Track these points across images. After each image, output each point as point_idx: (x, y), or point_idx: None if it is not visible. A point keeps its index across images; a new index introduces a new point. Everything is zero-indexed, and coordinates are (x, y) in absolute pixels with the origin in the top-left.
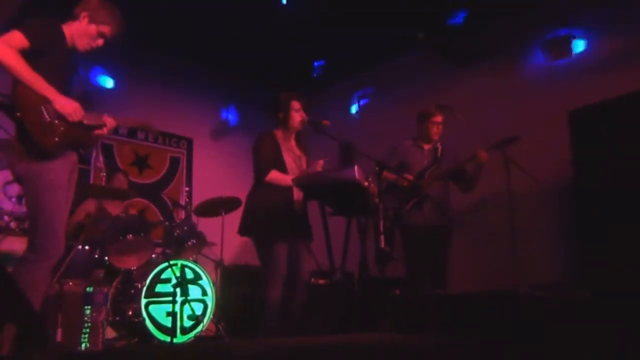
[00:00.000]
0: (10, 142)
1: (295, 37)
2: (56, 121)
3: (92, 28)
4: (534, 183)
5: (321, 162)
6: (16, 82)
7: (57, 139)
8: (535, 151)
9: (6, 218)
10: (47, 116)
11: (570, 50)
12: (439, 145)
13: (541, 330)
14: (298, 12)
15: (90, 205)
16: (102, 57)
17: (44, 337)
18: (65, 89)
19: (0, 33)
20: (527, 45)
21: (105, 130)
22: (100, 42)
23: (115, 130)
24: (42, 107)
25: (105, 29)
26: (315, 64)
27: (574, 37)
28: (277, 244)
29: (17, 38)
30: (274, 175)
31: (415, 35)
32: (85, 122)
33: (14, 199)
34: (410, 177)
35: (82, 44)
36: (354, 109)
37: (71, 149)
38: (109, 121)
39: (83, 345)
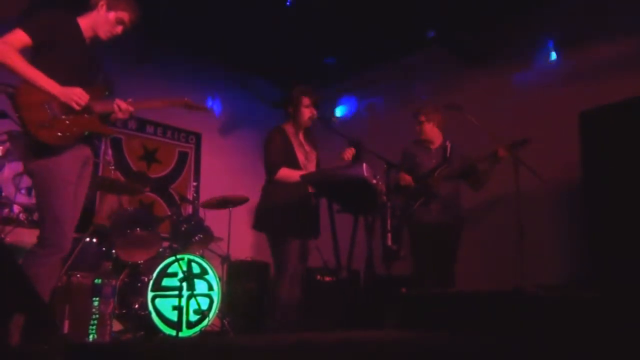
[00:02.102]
0: (21, 138)
1: (305, 34)
2: (63, 116)
3: (111, 15)
4: (542, 183)
5: (349, 151)
6: (20, 81)
7: (59, 133)
8: (544, 151)
9: (16, 210)
10: (49, 112)
11: (583, 50)
12: (447, 143)
13: (548, 330)
14: (308, 9)
15: (111, 202)
16: (111, 51)
17: (52, 327)
18: (82, 80)
19: (8, 29)
20: (538, 44)
21: (120, 115)
22: (119, 29)
23: (124, 124)
24: (45, 104)
25: (124, 15)
26: (326, 60)
27: (586, 37)
28: (291, 241)
29: (18, 36)
30: (284, 173)
31: (424, 34)
32: (97, 109)
33: (23, 191)
34: (408, 178)
35: (104, 32)
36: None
37: (83, 142)
38: (122, 105)
39: (91, 336)
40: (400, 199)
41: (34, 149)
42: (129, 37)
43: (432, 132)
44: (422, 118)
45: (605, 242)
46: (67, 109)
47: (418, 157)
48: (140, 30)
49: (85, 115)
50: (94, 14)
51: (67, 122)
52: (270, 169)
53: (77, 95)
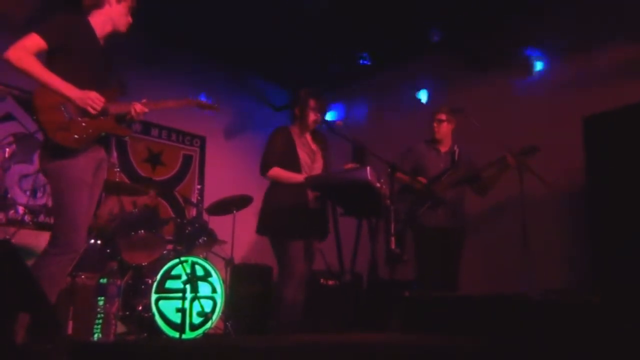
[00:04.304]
0: (36, 140)
1: (311, 38)
2: (79, 118)
3: (123, 6)
4: (547, 188)
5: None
6: (37, 85)
7: (76, 135)
8: (549, 156)
9: (21, 211)
10: (66, 115)
11: (588, 54)
12: (456, 148)
13: (551, 334)
14: (313, 12)
15: (111, 204)
16: (120, 55)
17: (57, 326)
18: (98, 81)
19: (23, 32)
20: (543, 49)
21: (135, 116)
22: (130, 18)
23: (129, 126)
24: (62, 107)
25: (132, 3)
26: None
27: (592, 43)
28: (293, 243)
29: (34, 41)
30: (274, 172)
31: (429, 38)
32: (112, 111)
33: (28, 193)
34: (424, 180)
35: (123, 25)
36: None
37: (98, 144)
38: (137, 106)
39: (95, 336)
40: (404, 202)
41: (50, 150)
42: (134, 39)
43: (447, 135)
44: (443, 117)
45: (610, 247)
46: (83, 111)
47: (426, 158)
48: (145, 31)
49: (101, 117)
50: (105, 10)
51: (84, 124)
52: (262, 167)
53: (92, 100)
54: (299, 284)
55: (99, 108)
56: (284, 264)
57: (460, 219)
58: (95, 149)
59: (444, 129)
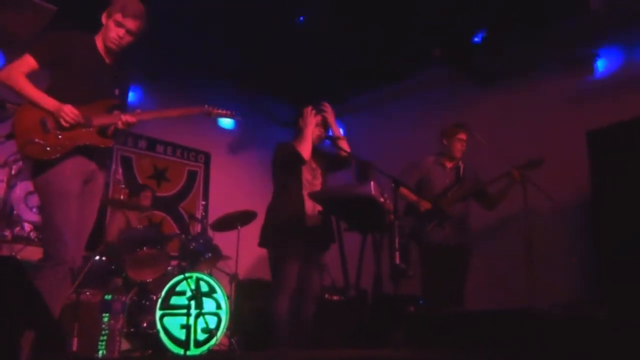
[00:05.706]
0: None
1: (315, 53)
2: (57, 131)
3: (110, 22)
4: (551, 202)
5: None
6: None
7: (48, 148)
8: (553, 170)
9: (27, 228)
10: (41, 128)
11: (591, 70)
12: (460, 163)
13: (557, 349)
14: (318, 28)
15: (120, 221)
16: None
17: (62, 343)
18: (95, 95)
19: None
20: (548, 64)
21: (120, 126)
22: (121, 32)
23: (135, 143)
24: (42, 121)
25: (118, 17)
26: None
27: (596, 57)
28: (288, 258)
29: (25, 61)
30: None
31: (432, 52)
32: (95, 123)
33: (34, 210)
34: (427, 205)
35: (109, 41)
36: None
37: (87, 157)
38: (122, 117)
39: (100, 352)
40: (410, 218)
41: (33, 165)
42: (140, 54)
43: (461, 152)
44: (465, 137)
45: (616, 259)
46: (60, 124)
47: (432, 173)
48: (149, 48)
49: (83, 130)
50: (103, 28)
51: (60, 136)
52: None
53: (64, 113)
54: (291, 299)
55: (70, 120)
56: (278, 279)
57: (466, 235)
58: (79, 161)
59: (462, 148)
